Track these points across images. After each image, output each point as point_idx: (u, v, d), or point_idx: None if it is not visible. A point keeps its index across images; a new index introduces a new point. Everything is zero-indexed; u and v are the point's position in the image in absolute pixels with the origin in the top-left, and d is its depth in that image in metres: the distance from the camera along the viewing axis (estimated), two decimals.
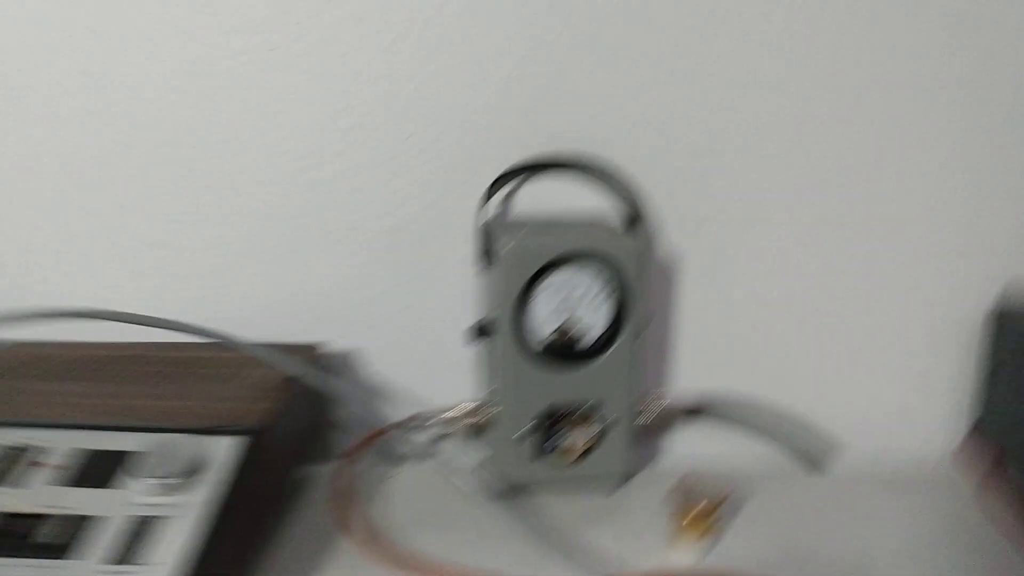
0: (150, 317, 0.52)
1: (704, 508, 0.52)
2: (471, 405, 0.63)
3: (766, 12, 0.64)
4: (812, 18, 0.64)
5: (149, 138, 0.65)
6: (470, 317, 0.69)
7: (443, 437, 0.70)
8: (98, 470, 0.46)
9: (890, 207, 0.68)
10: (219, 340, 0.54)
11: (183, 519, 0.44)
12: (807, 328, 0.70)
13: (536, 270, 0.58)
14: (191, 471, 0.45)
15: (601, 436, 0.60)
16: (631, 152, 0.66)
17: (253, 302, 0.68)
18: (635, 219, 0.65)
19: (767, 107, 0.66)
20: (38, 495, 0.45)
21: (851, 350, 0.71)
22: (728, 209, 0.68)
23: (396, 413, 0.69)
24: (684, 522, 0.54)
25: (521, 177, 0.67)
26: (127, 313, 0.51)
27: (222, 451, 0.48)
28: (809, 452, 0.69)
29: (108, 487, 0.46)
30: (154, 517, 0.44)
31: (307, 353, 0.62)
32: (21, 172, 0.66)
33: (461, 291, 0.68)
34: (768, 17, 0.64)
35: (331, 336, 0.69)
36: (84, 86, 0.64)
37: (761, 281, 0.69)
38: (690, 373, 0.71)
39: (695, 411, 0.68)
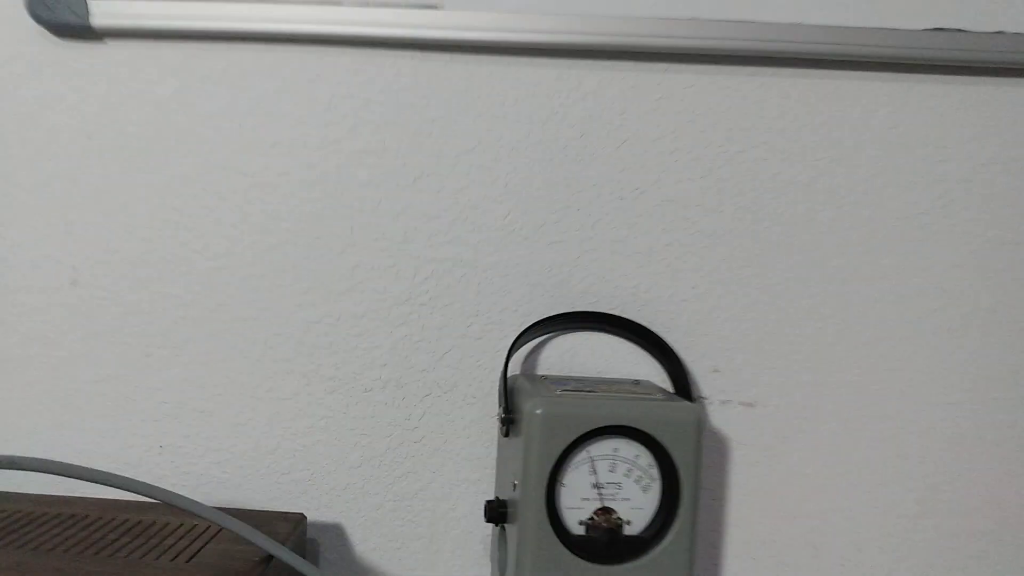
0: (97, 471, 0.42)
1: None
2: None
3: (832, 189, 0.59)
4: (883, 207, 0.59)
5: (126, 263, 0.57)
6: (484, 493, 0.58)
7: None
8: None
9: (964, 408, 0.61)
10: (180, 505, 0.43)
11: None
12: (871, 539, 0.61)
13: (571, 441, 0.49)
14: None
15: None
16: (670, 319, 0.59)
17: (226, 459, 0.58)
18: (682, 390, 0.57)
19: (823, 290, 0.60)
20: None
21: (924, 561, 0.61)
22: (782, 394, 0.60)
23: None
24: None
25: (551, 331, 0.59)
26: (71, 465, 0.41)
27: None
28: None
29: None
30: None
31: (287, 526, 0.51)
32: None
33: (474, 460, 0.59)
34: (836, 197, 0.59)
35: (316, 506, 0.58)
36: (71, 202, 0.57)
37: (819, 481, 0.60)
38: None
39: None
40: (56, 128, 0.57)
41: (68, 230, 0.57)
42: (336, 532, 0.59)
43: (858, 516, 0.60)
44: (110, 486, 0.42)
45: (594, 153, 0.58)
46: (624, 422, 0.49)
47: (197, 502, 0.43)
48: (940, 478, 0.61)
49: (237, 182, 0.57)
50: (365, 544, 0.59)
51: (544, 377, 0.57)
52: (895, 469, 0.60)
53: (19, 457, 0.40)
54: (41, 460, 0.40)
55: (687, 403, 0.52)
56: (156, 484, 0.55)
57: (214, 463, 0.58)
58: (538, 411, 0.48)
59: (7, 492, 0.55)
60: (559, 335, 0.59)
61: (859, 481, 0.60)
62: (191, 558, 0.46)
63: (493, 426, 0.59)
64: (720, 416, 0.60)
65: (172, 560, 0.45)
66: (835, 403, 0.60)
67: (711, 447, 0.59)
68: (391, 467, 0.59)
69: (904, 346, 0.60)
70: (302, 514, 0.54)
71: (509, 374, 0.56)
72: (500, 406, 0.53)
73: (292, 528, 0.51)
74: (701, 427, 0.50)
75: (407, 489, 0.59)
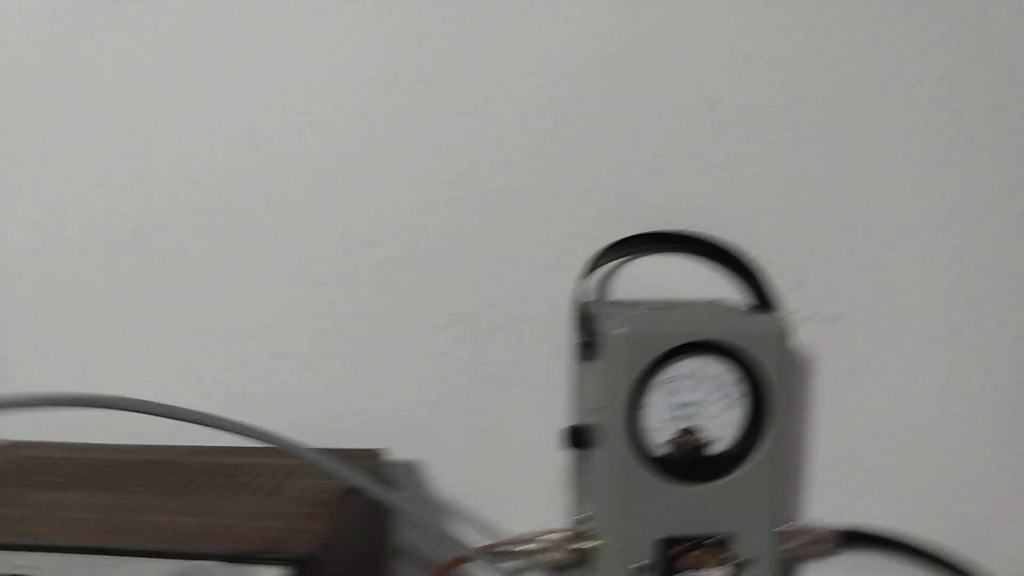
0: (177, 408, 0.41)
1: None
2: (564, 532, 0.51)
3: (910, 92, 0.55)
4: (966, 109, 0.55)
5: (192, 210, 0.57)
6: (563, 421, 0.57)
7: (531, 570, 0.58)
8: None
9: None
10: (262, 442, 0.43)
11: None
12: (963, 450, 0.58)
13: (653, 361, 0.47)
14: None
15: (737, 574, 0.48)
16: (752, 233, 0.57)
17: (300, 399, 0.58)
18: (764, 307, 0.55)
19: (912, 194, 0.56)
20: None
21: (1022, 470, 0.58)
22: (867, 305, 0.57)
23: (472, 539, 0.57)
24: None
25: (626, 255, 0.57)
26: (150, 403, 0.41)
27: None
28: None
29: None
30: None
31: (369, 460, 0.51)
32: (36, 239, 0.57)
33: (551, 390, 0.57)
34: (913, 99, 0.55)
35: (392, 444, 0.58)
36: (120, 153, 0.56)
37: (910, 392, 0.58)
38: (824, 503, 0.58)
39: (853, 539, 0.55)
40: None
41: (131, 183, 0.57)
42: (413, 470, 0.58)
43: (951, 428, 0.58)
44: (192, 422, 0.41)
45: (662, 64, 0.55)
46: (708, 337, 0.47)
47: (281, 437, 0.42)
48: None
49: (296, 121, 0.56)
50: (442, 480, 0.58)
51: (619, 302, 0.55)
52: (988, 377, 0.57)
53: (101, 396, 0.40)
54: (122, 398, 0.40)
55: (771, 315, 0.50)
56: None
57: (288, 407, 0.58)
58: (619, 331, 0.47)
59: (83, 443, 0.55)
60: (633, 259, 0.57)
61: (951, 391, 0.58)
62: (273, 492, 0.45)
63: (566, 357, 0.57)
64: (805, 332, 0.57)
65: (253, 495, 0.45)
66: (925, 312, 0.57)
67: (795, 365, 0.57)
68: (465, 403, 0.58)
69: (997, 248, 0.57)
70: (380, 449, 0.54)
71: (584, 300, 0.54)
72: (577, 330, 0.51)
73: (372, 463, 0.50)
74: (787, 339, 0.48)
75: (482, 424, 0.58)
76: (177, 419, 0.41)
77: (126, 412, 0.56)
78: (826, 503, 0.58)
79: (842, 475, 0.58)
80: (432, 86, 0.56)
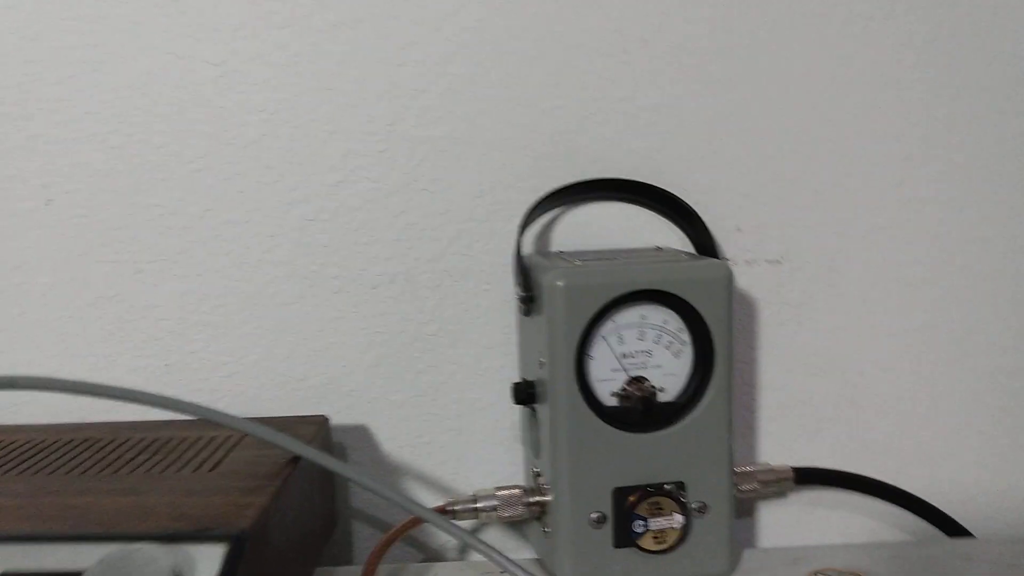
0: (107, 387, 0.39)
1: None
2: (520, 488, 0.50)
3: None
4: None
5: (102, 173, 0.53)
6: (511, 377, 0.56)
7: (489, 527, 0.57)
8: None
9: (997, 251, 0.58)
10: (194, 416, 0.41)
11: None
12: (909, 387, 0.59)
13: (595, 312, 0.46)
14: None
15: (692, 521, 0.48)
16: (687, 178, 0.56)
17: (235, 370, 0.55)
18: (705, 253, 0.54)
19: (847, 134, 0.56)
20: None
21: (967, 418, 0.59)
22: (808, 248, 0.57)
23: (427, 501, 0.56)
24: None
25: (563, 204, 0.55)
26: (79, 382, 0.38)
27: (208, 563, 0.34)
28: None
29: None
30: None
31: (313, 427, 0.49)
32: None
33: (497, 345, 0.56)
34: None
35: (336, 410, 0.56)
36: (20, 113, 0.53)
37: (854, 332, 0.58)
38: (774, 445, 0.59)
39: (808, 478, 0.56)
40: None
41: (31, 145, 0.53)
42: (361, 434, 0.56)
43: (895, 365, 0.59)
44: (121, 400, 0.39)
45: (590, 2, 0.54)
46: (650, 286, 0.46)
47: (215, 410, 0.40)
48: (976, 319, 0.58)
49: (204, 73, 0.53)
50: (392, 443, 0.57)
51: (559, 253, 0.54)
52: (930, 314, 0.58)
53: (20, 376, 0.37)
54: (44, 378, 0.37)
55: (714, 260, 0.50)
56: None
57: (225, 376, 0.56)
58: (559, 283, 0.46)
59: (12, 425, 0.52)
60: (571, 208, 0.56)
61: (894, 330, 0.58)
62: (215, 466, 0.43)
63: (511, 311, 0.56)
64: (746, 277, 0.57)
65: (195, 471, 0.43)
66: (865, 252, 0.57)
67: (738, 310, 0.57)
68: (410, 363, 0.56)
69: (934, 186, 0.57)
70: (324, 416, 0.52)
71: (523, 253, 0.52)
72: (517, 285, 0.50)
73: (316, 430, 0.49)
74: (731, 283, 0.47)
75: (429, 383, 0.56)
76: (101, 396, 0.39)
77: (48, 393, 0.53)
78: (777, 445, 0.58)
79: (791, 417, 0.58)
80: (349, 30, 0.53)
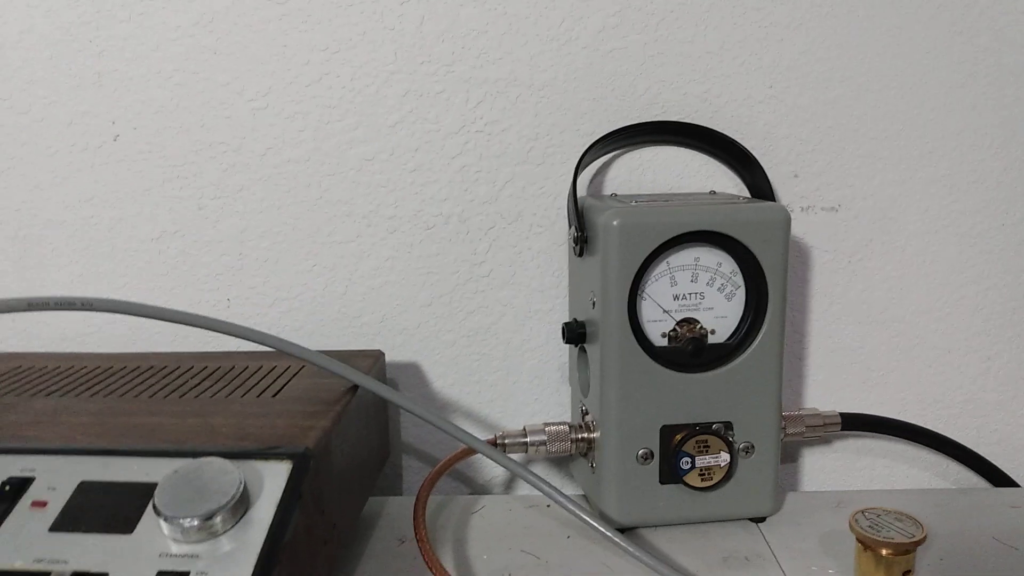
0: (175, 312, 0.40)
1: (898, 550, 0.40)
2: (566, 425, 0.51)
3: None
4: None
5: (167, 110, 0.55)
6: (560, 317, 0.57)
7: (537, 461, 0.58)
8: (115, 510, 0.35)
9: None
10: (261, 344, 0.42)
11: (227, 571, 0.32)
12: (962, 339, 0.58)
13: (650, 252, 0.46)
14: (235, 509, 0.34)
15: (738, 461, 0.48)
16: (745, 123, 0.55)
17: (291, 305, 0.57)
18: (762, 198, 0.54)
19: (906, 83, 0.55)
20: (34, 545, 0.33)
21: (1017, 371, 0.59)
22: (865, 196, 0.56)
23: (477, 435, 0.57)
24: (875, 573, 0.41)
25: (619, 147, 0.56)
26: (154, 307, 0.40)
27: (273, 479, 0.36)
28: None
29: (128, 532, 0.34)
30: (188, 572, 0.32)
31: (369, 360, 0.50)
32: (25, 139, 0.55)
33: (548, 287, 0.57)
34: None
35: (391, 347, 0.58)
36: (89, 51, 0.54)
37: (909, 282, 0.58)
38: (823, 392, 0.59)
39: (856, 423, 0.56)
40: None
41: (99, 82, 0.54)
42: (413, 371, 0.58)
43: (946, 317, 0.58)
44: (188, 324, 0.41)
45: None
46: (706, 227, 0.46)
47: (279, 338, 0.42)
48: None
49: (268, 11, 0.53)
50: (443, 380, 0.58)
51: (614, 195, 0.54)
52: (982, 267, 0.57)
53: (96, 299, 0.39)
54: (120, 302, 0.39)
55: (772, 203, 0.49)
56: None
57: (283, 312, 0.57)
58: (615, 221, 0.46)
59: (82, 353, 0.55)
60: (627, 152, 0.56)
61: (946, 281, 0.58)
62: (276, 393, 0.45)
63: (562, 255, 0.56)
64: (801, 223, 0.57)
65: (258, 396, 0.45)
66: (922, 202, 0.57)
67: (792, 256, 0.57)
68: (462, 303, 0.57)
69: (992, 129, 0.56)
70: (380, 350, 0.54)
71: (578, 194, 0.53)
72: (572, 225, 0.51)
73: (372, 363, 0.50)
74: (788, 227, 0.47)
75: (480, 323, 0.57)
76: (171, 321, 0.40)
77: (119, 317, 0.55)
78: (825, 393, 0.58)
79: (841, 365, 0.58)
80: None
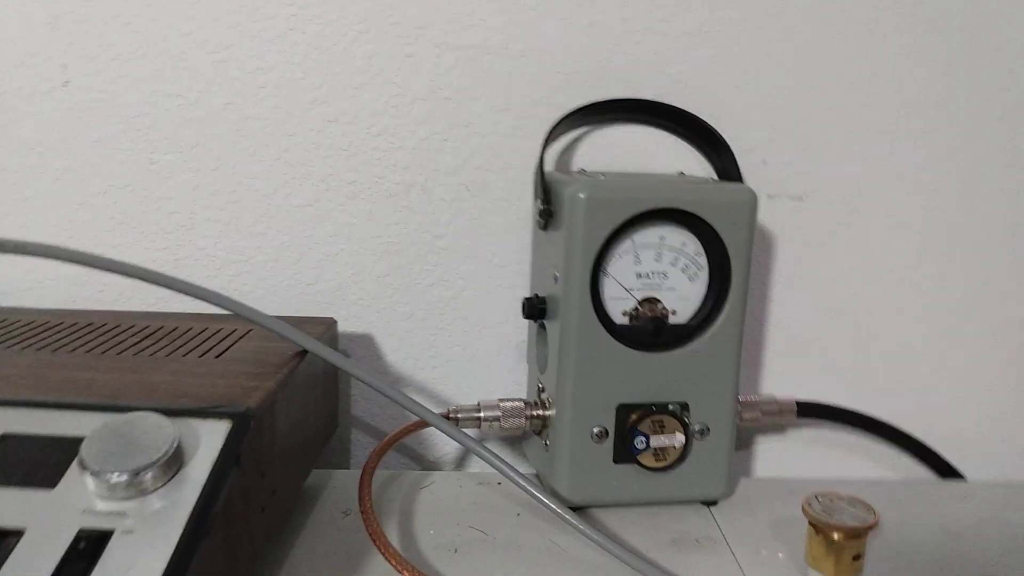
0: (111, 261, 0.38)
1: (849, 533, 0.40)
2: (521, 401, 0.50)
3: None
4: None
5: (123, 58, 0.52)
6: (521, 293, 0.56)
7: (491, 438, 0.57)
8: (39, 464, 0.33)
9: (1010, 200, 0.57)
10: (207, 302, 0.40)
11: (155, 531, 0.30)
12: (923, 331, 0.58)
13: (614, 228, 0.45)
14: (168, 465, 0.32)
15: (693, 443, 0.48)
16: (716, 107, 0.55)
17: (246, 270, 0.55)
18: (730, 180, 0.53)
19: (880, 73, 0.55)
20: None
21: (972, 367, 0.59)
22: (832, 185, 0.56)
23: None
24: (826, 556, 0.41)
25: (590, 123, 0.54)
26: (89, 254, 0.38)
27: (210, 439, 0.34)
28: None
29: (50, 487, 0.32)
30: (113, 531, 0.30)
31: (321, 327, 0.49)
32: None
33: (510, 261, 0.56)
34: None
35: (345, 316, 0.56)
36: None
37: (872, 273, 0.57)
38: (781, 379, 0.58)
39: (811, 412, 0.55)
40: None
41: (54, 24, 0.52)
42: (367, 342, 0.56)
43: (905, 310, 0.58)
44: (126, 275, 0.39)
45: None
46: (673, 204, 0.46)
47: (226, 296, 0.40)
48: (992, 270, 0.58)
49: None
50: (398, 353, 0.57)
51: (582, 171, 0.53)
52: (945, 262, 0.57)
53: (31, 242, 0.37)
54: (51, 246, 0.37)
55: (740, 185, 0.49)
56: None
57: (234, 275, 0.55)
58: (581, 195, 0.45)
59: (19, 308, 0.52)
60: (596, 129, 0.55)
61: (909, 276, 0.58)
62: (220, 354, 0.43)
63: (526, 229, 0.55)
64: (767, 211, 0.56)
65: (200, 357, 0.43)
66: (888, 196, 0.57)
67: (757, 243, 0.56)
68: (420, 275, 0.56)
69: (960, 128, 0.56)
70: (333, 318, 0.52)
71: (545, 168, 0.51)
72: (537, 198, 0.49)
73: (324, 330, 0.48)
74: (755, 209, 0.47)
75: (438, 296, 0.56)
76: (106, 270, 0.38)
77: (61, 272, 0.53)
78: (782, 381, 0.58)
79: (800, 353, 0.58)
80: None
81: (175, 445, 0.32)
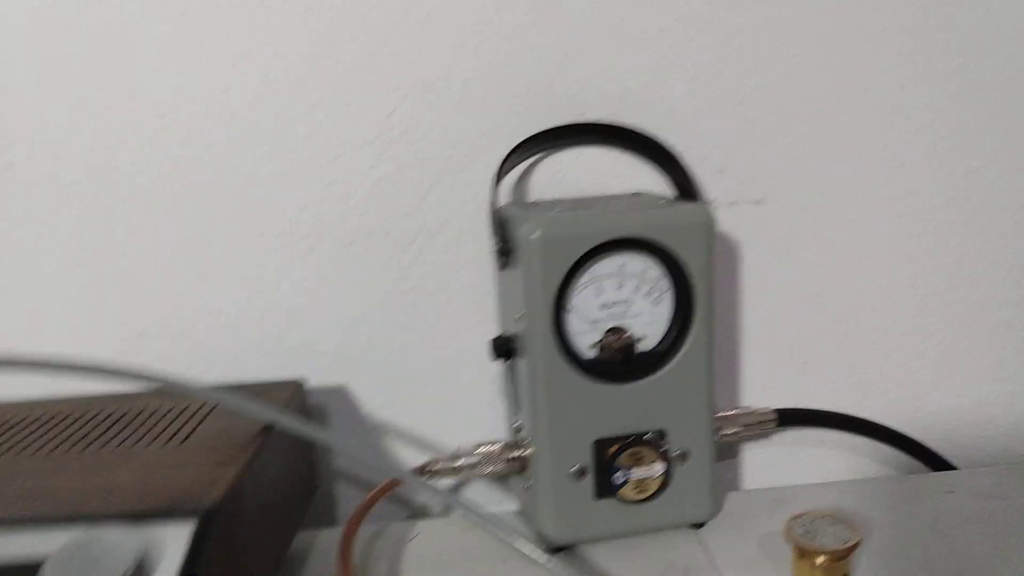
0: (64, 360, 0.38)
1: (833, 556, 0.39)
2: (500, 443, 0.49)
3: None
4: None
5: (51, 133, 0.51)
6: (491, 329, 0.55)
7: (468, 484, 0.57)
8: None
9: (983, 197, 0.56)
10: (162, 385, 0.40)
11: None
12: (894, 324, 0.58)
13: (572, 263, 0.45)
14: None
15: (673, 469, 0.47)
16: (668, 118, 0.54)
17: (210, 335, 0.54)
18: (687, 196, 0.53)
19: (831, 72, 0.54)
20: None
21: (953, 350, 0.59)
22: (791, 188, 0.55)
23: (410, 458, 0.56)
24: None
25: (541, 151, 0.54)
26: (29, 356, 0.37)
27: (176, 543, 0.34)
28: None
29: None
30: None
31: (285, 393, 0.48)
32: None
33: (477, 299, 0.55)
34: None
35: (318, 370, 0.55)
36: None
37: (838, 271, 0.57)
38: (759, 386, 0.58)
39: (791, 418, 0.55)
40: None
41: None
42: (342, 395, 0.56)
43: (881, 300, 0.58)
44: (86, 374, 0.38)
45: None
46: (628, 234, 0.45)
47: (181, 381, 0.39)
48: (966, 250, 0.57)
49: (165, 26, 0.50)
50: (373, 402, 0.56)
51: (536, 203, 0.52)
52: (918, 246, 0.57)
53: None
54: (10, 356, 0.36)
55: (694, 205, 0.48)
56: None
57: (198, 342, 0.54)
58: (534, 235, 0.44)
59: None
60: (549, 155, 0.54)
61: (881, 264, 0.57)
62: (185, 439, 0.43)
63: (490, 264, 0.55)
64: (729, 218, 0.56)
65: (165, 444, 0.42)
66: (852, 188, 0.56)
67: (721, 251, 0.56)
68: (388, 320, 0.55)
69: (921, 115, 0.55)
70: (298, 380, 0.51)
71: (499, 204, 0.51)
72: (493, 237, 0.49)
73: (290, 395, 0.48)
74: (712, 228, 0.46)
75: (408, 340, 0.55)
76: (63, 370, 0.38)
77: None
78: (763, 385, 0.58)
79: (777, 356, 0.58)
80: None
81: (136, 563, 0.32)
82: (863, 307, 0.57)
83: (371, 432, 0.56)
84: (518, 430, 0.50)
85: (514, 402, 0.50)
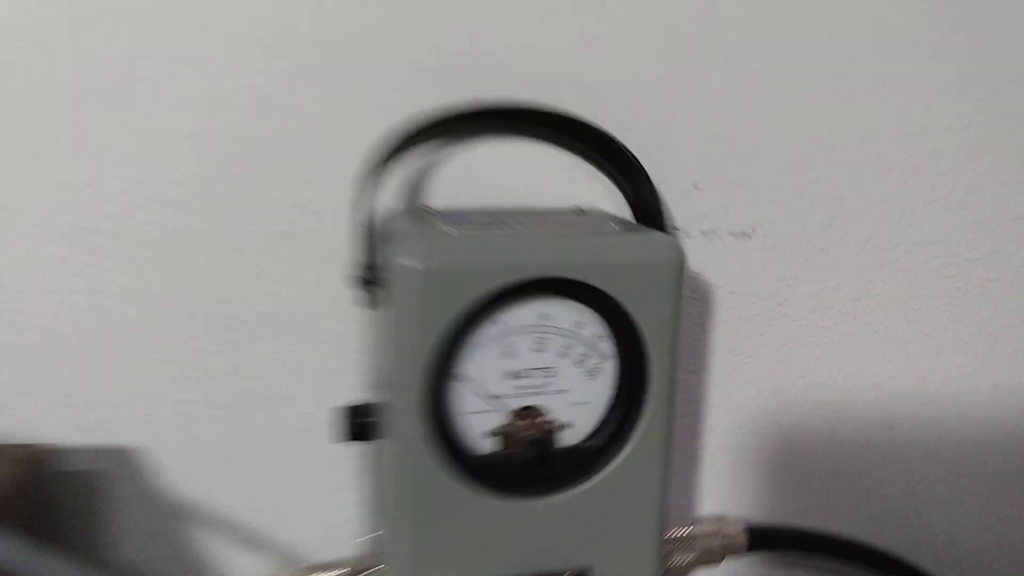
0: None
1: None
2: (340, 572, 0.33)
3: None
4: None
5: None
6: (342, 397, 0.39)
7: None
8: None
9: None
10: None
11: None
12: (907, 410, 0.44)
13: (470, 309, 0.29)
14: None
15: None
16: (625, 111, 0.39)
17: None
18: (647, 218, 0.37)
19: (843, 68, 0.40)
20: None
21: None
22: (789, 218, 0.41)
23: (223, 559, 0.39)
24: None
25: (444, 141, 0.38)
26: None
27: None
28: None
29: None
30: None
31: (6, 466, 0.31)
32: None
33: (335, 342, 0.39)
34: None
35: (106, 421, 0.38)
36: None
37: (839, 337, 0.44)
38: (722, 489, 0.43)
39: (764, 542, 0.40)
40: None
41: None
42: (137, 459, 0.39)
43: (888, 382, 0.44)
44: None
45: None
46: (556, 271, 0.30)
47: None
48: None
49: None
50: (185, 472, 0.39)
51: (435, 212, 0.36)
52: (940, 316, 0.44)
53: None
54: None
55: (656, 233, 0.33)
56: None
57: None
58: (415, 264, 0.29)
59: None
60: (461, 146, 0.38)
61: (891, 335, 0.44)
62: None
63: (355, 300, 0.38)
64: (702, 253, 0.41)
65: None
66: (863, 226, 0.42)
67: (688, 298, 0.41)
68: (208, 363, 0.38)
69: (961, 137, 0.41)
70: (30, 444, 0.34)
71: (380, 209, 0.35)
72: (359, 263, 0.33)
73: (12, 468, 0.31)
74: (681, 271, 0.31)
75: (235, 390, 0.39)
76: None
77: None
78: (730, 483, 0.43)
79: (752, 449, 0.43)
80: None
81: None
82: (865, 389, 0.44)
83: (171, 517, 0.39)
84: (376, 545, 0.34)
85: (380, 498, 0.34)
